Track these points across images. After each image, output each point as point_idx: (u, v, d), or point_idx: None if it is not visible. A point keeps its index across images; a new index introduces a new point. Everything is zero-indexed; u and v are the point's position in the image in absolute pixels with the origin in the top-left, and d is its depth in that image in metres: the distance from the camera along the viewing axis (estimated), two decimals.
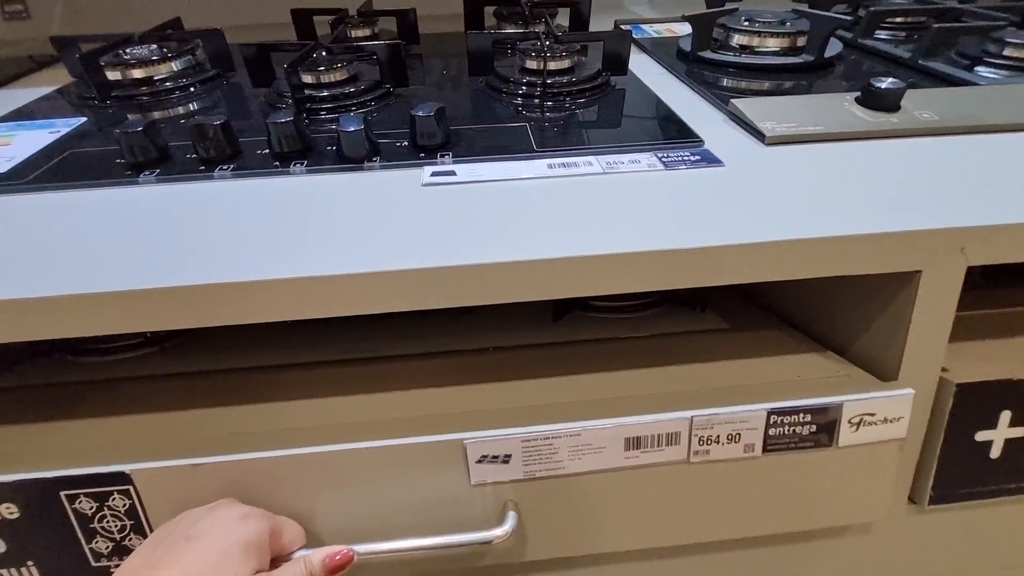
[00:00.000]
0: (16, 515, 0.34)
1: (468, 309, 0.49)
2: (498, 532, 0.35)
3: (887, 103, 0.48)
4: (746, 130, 0.49)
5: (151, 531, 0.35)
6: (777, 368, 0.43)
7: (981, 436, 0.42)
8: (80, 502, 0.34)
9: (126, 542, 0.35)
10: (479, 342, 0.48)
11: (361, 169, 0.45)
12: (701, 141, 0.47)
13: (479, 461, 0.35)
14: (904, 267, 0.37)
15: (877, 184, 0.40)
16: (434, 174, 0.43)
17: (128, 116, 0.57)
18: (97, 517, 0.34)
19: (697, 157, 0.44)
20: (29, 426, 0.41)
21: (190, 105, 0.60)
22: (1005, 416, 0.42)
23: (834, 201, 0.38)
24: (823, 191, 0.39)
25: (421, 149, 0.46)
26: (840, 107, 0.49)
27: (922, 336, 0.39)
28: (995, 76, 0.58)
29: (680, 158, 0.44)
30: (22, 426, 0.41)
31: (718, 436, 0.36)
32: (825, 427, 0.37)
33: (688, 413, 0.36)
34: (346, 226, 0.37)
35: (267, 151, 0.47)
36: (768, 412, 0.36)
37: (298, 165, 0.45)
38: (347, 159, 0.45)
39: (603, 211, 0.38)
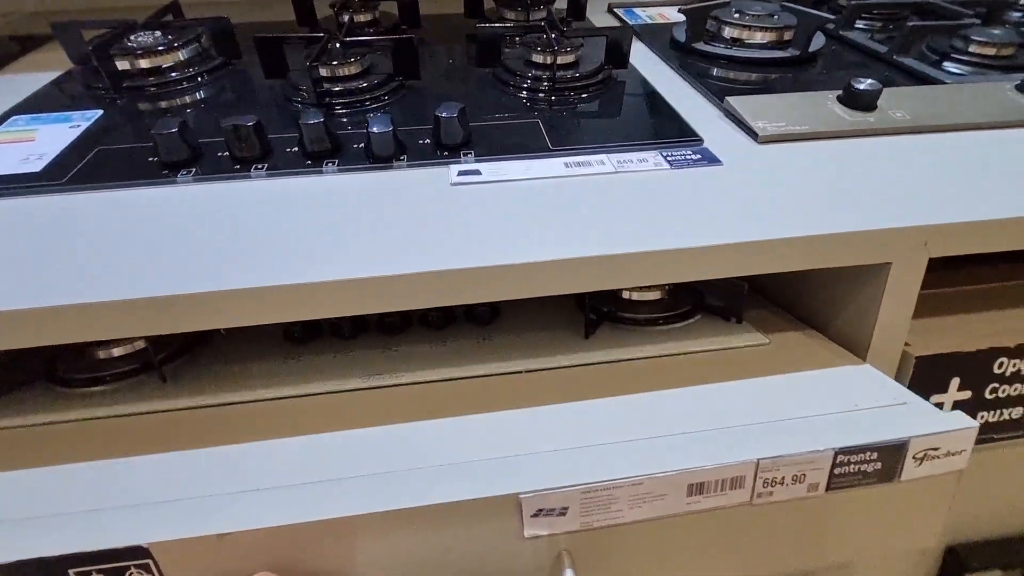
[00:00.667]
0: None
1: (491, 332, 0.50)
2: None
3: (865, 103, 0.53)
4: (740, 127, 0.54)
5: None
6: (828, 391, 0.43)
7: (935, 399, 0.50)
8: None
9: None
10: (508, 365, 0.47)
11: (390, 168, 0.48)
12: (701, 140, 0.51)
13: (534, 515, 0.33)
14: (876, 260, 0.43)
15: (854, 182, 0.46)
16: (461, 173, 0.47)
17: (140, 108, 0.58)
18: None
19: (698, 156, 0.49)
20: (19, 474, 0.37)
21: (198, 94, 0.61)
22: (955, 382, 0.50)
23: (817, 200, 0.44)
24: (808, 190, 0.45)
25: (445, 148, 0.49)
26: (824, 106, 0.54)
27: (889, 317, 0.46)
28: (960, 72, 0.63)
29: (683, 157, 0.49)
30: (11, 474, 0.37)
31: (783, 478, 0.35)
32: (890, 463, 0.36)
33: (754, 456, 0.34)
34: (389, 226, 0.41)
35: (296, 149, 0.49)
36: (836, 452, 0.35)
37: (330, 164, 0.47)
38: (376, 158, 0.48)
39: (621, 210, 0.42)
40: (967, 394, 0.50)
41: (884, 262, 0.43)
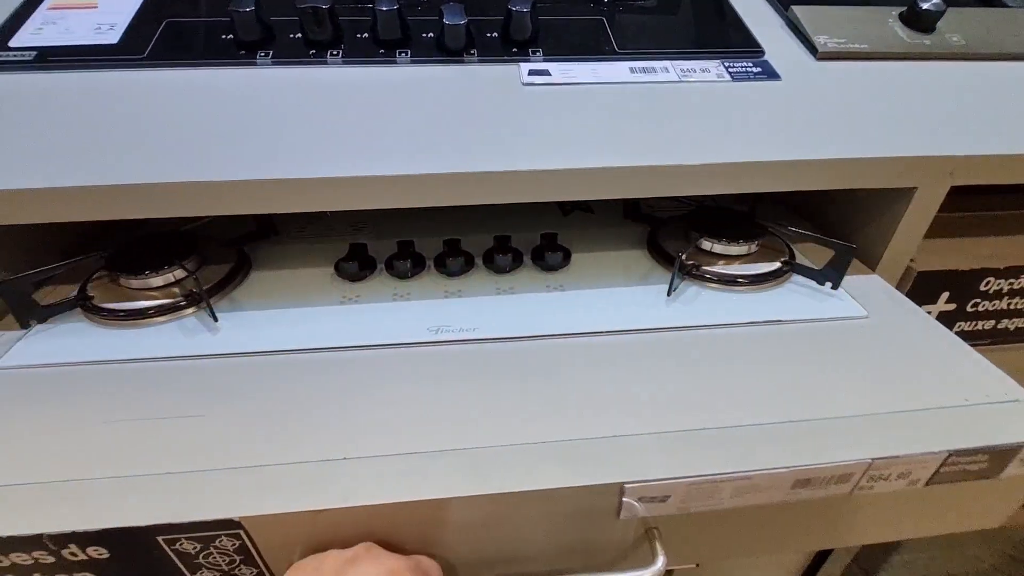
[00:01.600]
0: (106, 556, 0.31)
1: (560, 279, 0.49)
2: (648, 574, 0.34)
3: (925, 24, 0.54)
4: (801, 40, 0.54)
5: (265, 564, 0.33)
6: (937, 379, 0.40)
7: (924, 308, 0.57)
8: (181, 544, 0.31)
9: (236, 571, 0.33)
10: (581, 322, 0.45)
11: (462, 62, 0.49)
12: (762, 52, 0.52)
13: (634, 500, 0.33)
14: (904, 184, 0.47)
15: (899, 107, 0.49)
16: (531, 73, 0.48)
17: None
18: (202, 555, 0.32)
19: (759, 70, 0.51)
20: (82, 420, 0.36)
21: None
22: (944, 295, 0.57)
23: (863, 122, 0.47)
24: (857, 112, 0.48)
25: (514, 43, 0.50)
26: (885, 24, 0.55)
27: (904, 235, 0.51)
28: None
29: (744, 70, 0.50)
30: (74, 419, 0.36)
31: (889, 475, 0.35)
32: (997, 463, 0.36)
33: (868, 456, 0.34)
34: (464, 124, 0.43)
35: (368, 36, 0.49)
36: (949, 454, 0.34)
37: (403, 55, 0.48)
38: (448, 51, 0.49)
39: (683, 121, 0.45)
40: (952, 306, 0.58)
41: (911, 186, 0.48)
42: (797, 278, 0.51)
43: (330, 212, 0.58)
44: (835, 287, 0.49)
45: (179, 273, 0.47)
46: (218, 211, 0.41)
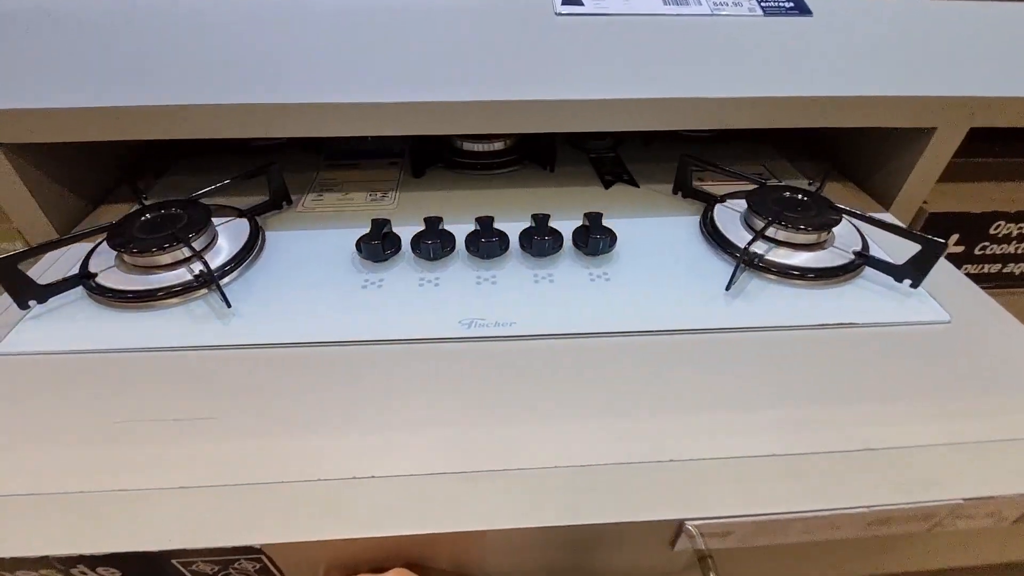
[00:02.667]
0: (118, 575, 0.29)
1: (604, 266, 0.44)
2: None
3: None
4: None
5: None
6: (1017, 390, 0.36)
7: None
8: (197, 565, 0.29)
9: None
10: (628, 320, 0.41)
11: None
12: None
13: (694, 534, 0.30)
14: (926, 124, 0.48)
15: (926, 47, 0.48)
16: (564, 3, 0.43)
17: None
18: None
19: (791, 5, 0.46)
20: (87, 403, 0.34)
21: None
22: (954, 237, 0.58)
23: (889, 61, 0.48)
24: (884, 49, 0.48)
25: None
26: None
27: (919, 177, 0.52)
28: None
29: (776, 5, 0.46)
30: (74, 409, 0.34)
31: (976, 514, 0.31)
32: None
33: (957, 497, 0.30)
34: (499, 53, 0.39)
35: None
36: None
37: None
38: None
39: (714, 54, 0.43)
40: (960, 248, 0.59)
41: (931, 127, 0.48)
42: (870, 272, 0.45)
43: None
44: (915, 286, 0.43)
45: (188, 251, 0.43)
46: (276, 133, 0.44)
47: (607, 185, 0.57)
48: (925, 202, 0.55)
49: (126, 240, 0.43)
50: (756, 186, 0.51)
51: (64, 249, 0.46)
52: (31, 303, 0.41)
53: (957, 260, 0.59)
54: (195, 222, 0.44)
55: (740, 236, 0.47)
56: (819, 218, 0.46)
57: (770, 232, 0.46)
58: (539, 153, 0.62)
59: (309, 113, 0.44)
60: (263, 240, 0.48)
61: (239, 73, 0.45)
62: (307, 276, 0.45)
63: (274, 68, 0.45)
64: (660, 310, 0.42)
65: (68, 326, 0.40)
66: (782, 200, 0.48)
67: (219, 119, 0.44)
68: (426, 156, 0.61)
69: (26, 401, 0.35)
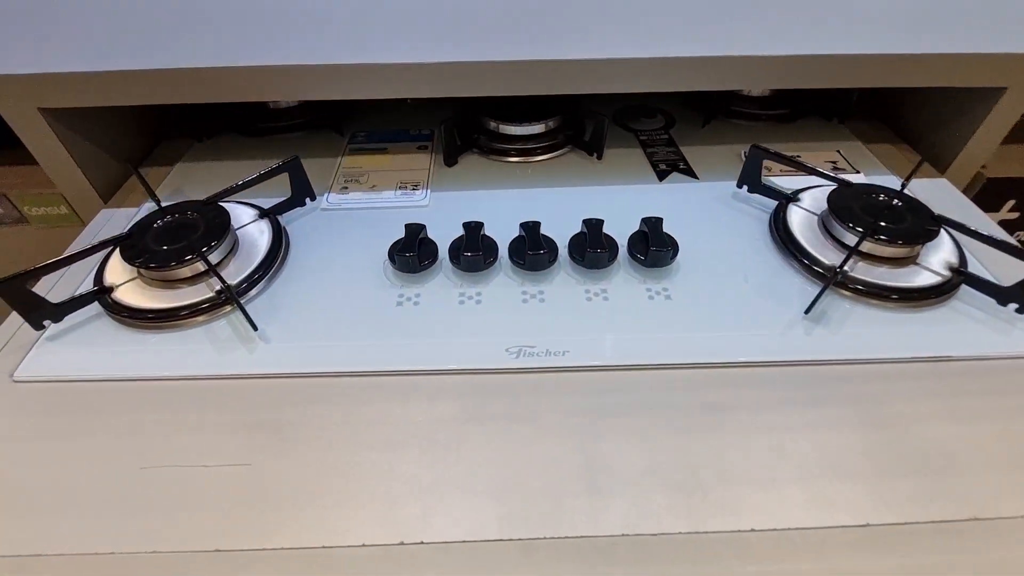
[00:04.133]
0: None
1: (662, 278, 0.40)
2: None
3: None
4: None
5: None
6: None
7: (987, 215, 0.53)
8: None
9: None
10: (693, 351, 0.36)
11: None
12: None
13: None
14: (995, 84, 0.46)
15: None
16: None
17: None
18: None
19: None
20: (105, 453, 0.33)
21: None
22: (1009, 203, 0.56)
23: (960, 17, 0.43)
24: (953, 5, 0.43)
25: None
26: None
27: (982, 139, 0.49)
28: None
29: None
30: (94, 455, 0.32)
31: None
32: None
33: None
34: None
35: None
36: None
37: None
38: None
39: (777, 8, 0.42)
40: (1015, 215, 0.57)
41: (1001, 87, 0.46)
42: (966, 292, 0.40)
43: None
44: (1022, 311, 0.38)
45: (206, 266, 0.39)
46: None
47: (661, 176, 0.52)
48: (984, 166, 0.53)
49: (141, 252, 0.39)
50: (835, 184, 0.45)
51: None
52: (46, 323, 0.38)
53: (1010, 227, 0.58)
54: (213, 229, 0.40)
55: (819, 245, 0.42)
56: (915, 228, 0.40)
57: (852, 240, 0.40)
58: (584, 136, 0.56)
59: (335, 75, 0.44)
60: (287, 244, 0.44)
61: (274, 34, 0.44)
62: (337, 289, 0.41)
63: (312, 28, 0.43)
64: (730, 336, 0.37)
65: (86, 350, 0.37)
66: (869, 204, 0.42)
67: (256, 80, 0.44)
68: (458, 141, 0.55)
69: (47, 441, 0.32)
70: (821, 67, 0.44)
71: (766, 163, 0.49)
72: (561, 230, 0.43)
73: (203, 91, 0.45)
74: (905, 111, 0.56)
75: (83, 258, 0.38)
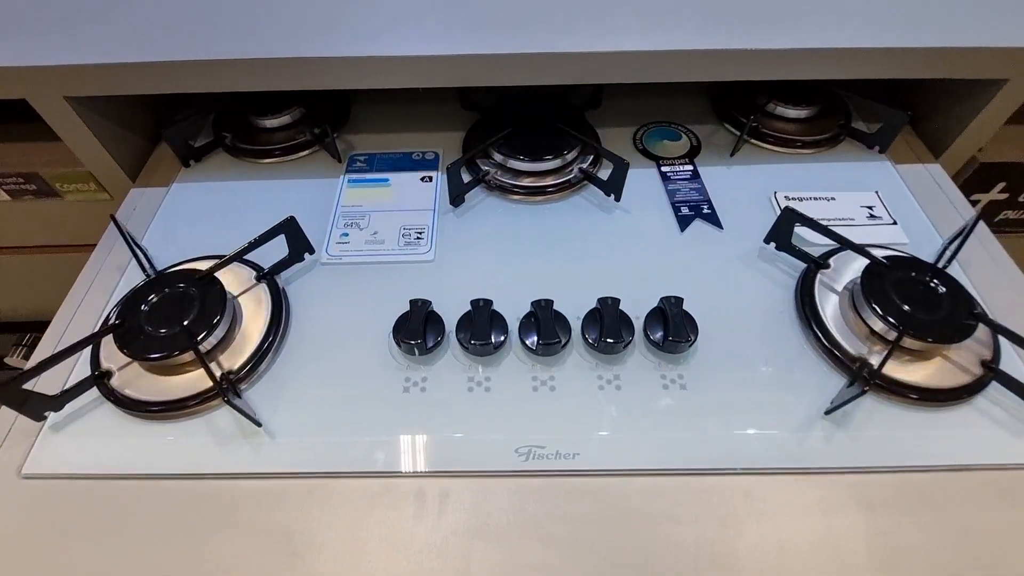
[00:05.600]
0: None
1: (682, 369, 0.38)
2: None
3: None
4: None
5: None
6: None
7: (974, 197, 0.58)
8: None
9: None
10: (715, 443, 0.36)
11: None
12: None
13: None
14: (997, 76, 0.47)
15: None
16: None
17: None
18: None
19: None
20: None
21: None
22: (1000, 185, 0.57)
23: (963, 9, 0.47)
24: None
25: None
26: None
27: (979, 126, 0.51)
28: None
29: None
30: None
31: None
32: None
33: None
34: None
35: None
36: None
37: None
38: None
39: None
40: (1004, 196, 0.58)
41: (1002, 78, 0.47)
42: (996, 388, 0.38)
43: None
44: None
45: (202, 347, 0.38)
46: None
47: (683, 223, 0.48)
48: (980, 151, 0.54)
49: (134, 338, 0.37)
50: (868, 260, 0.41)
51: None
52: (47, 414, 0.37)
53: (998, 207, 0.59)
54: (208, 309, 0.38)
55: (845, 328, 0.40)
56: (952, 321, 0.38)
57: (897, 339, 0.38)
58: (597, 165, 0.51)
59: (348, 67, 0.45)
60: (287, 313, 0.42)
61: (292, 25, 0.47)
62: (341, 370, 0.40)
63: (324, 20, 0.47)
64: (746, 438, 0.36)
65: (90, 441, 0.37)
66: (905, 288, 0.39)
67: (271, 72, 0.46)
68: (463, 179, 0.50)
69: (57, 541, 0.33)
70: (824, 60, 0.46)
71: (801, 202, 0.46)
72: (576, 296, 0.41)
73: (216, 81, 0.47)
74: (904, 90, 0.58)
75: (77, 351, 0.37)
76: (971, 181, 0.56)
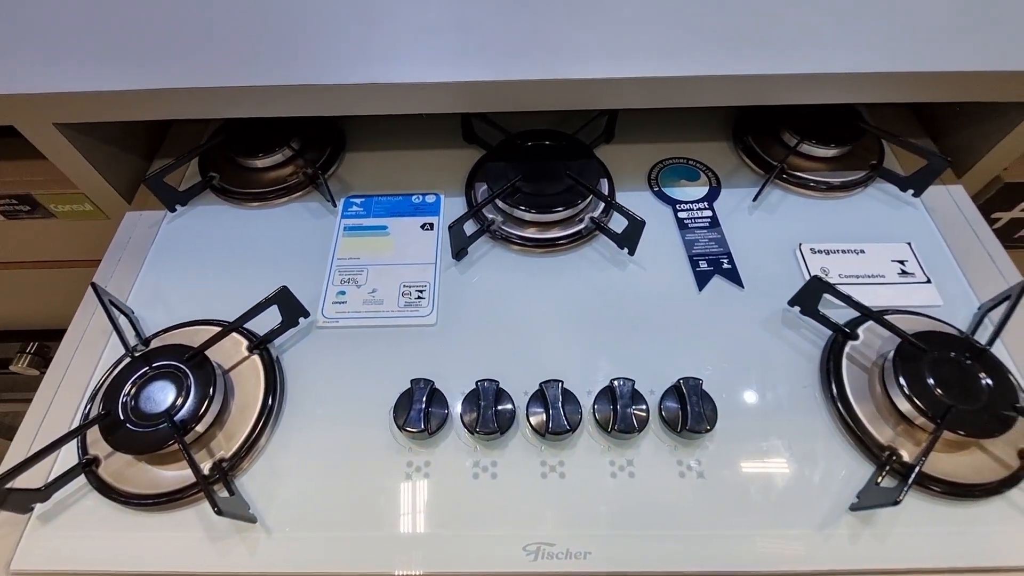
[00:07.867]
0: None
1: (691, 447, 0.37)
2: None
3: None
4: None
5: None
6: None
7: (995, 215, 0.56)
8: None
9: None
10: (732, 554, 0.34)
11: None
12: None
13: None
14: None
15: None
16: None
17: None
18: None
19: None
20: None
21: None
22: (1022, 204, 0.55)
23: (992, 31, 0.45)
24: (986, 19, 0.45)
25: None
26: None
27: (1007, 146, 0.49)
28: None
29: None
30: None
31: None
32: None
33: None
34: None
35: None
36: None
37: None
38: None
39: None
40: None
41: None
42: None
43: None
44: None
45: (190, 436, 0.36)
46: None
47: (701, 281, 0.45)
48: (1005, 168, 0.52)
49: (120, 429, 0.35)
50: (900, 340, 0.38)
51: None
52: (33, 506, 0.35)
53: (1017, 225, 0.57)
54: (198, 393, 0.36)
55: (872, 412, 0.37)
56: (992, 411, 0.35)
57: (922, 423, 0.35)
58: (608, 215, 0.48)
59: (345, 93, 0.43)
60: (283, 388, 0.40)
61: (284, 52, 0.45)
62: (340, 452, 0.38)
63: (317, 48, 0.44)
64: (765, 536, 0.34)
65: (78, 534, 0.35)
66: (940, 371, 0.36)
67: (265, 99, 0.44)
68: (466, 232, 0.47)
69: None
70: (851, 84, 0.44)
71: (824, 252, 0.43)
72: (587, 368, 0.39)
73: (208, 108, 0.45)
74: (924, 115, 0.57)
75: (62, 445, 0.35)
76: (993, 200, 0.54)
